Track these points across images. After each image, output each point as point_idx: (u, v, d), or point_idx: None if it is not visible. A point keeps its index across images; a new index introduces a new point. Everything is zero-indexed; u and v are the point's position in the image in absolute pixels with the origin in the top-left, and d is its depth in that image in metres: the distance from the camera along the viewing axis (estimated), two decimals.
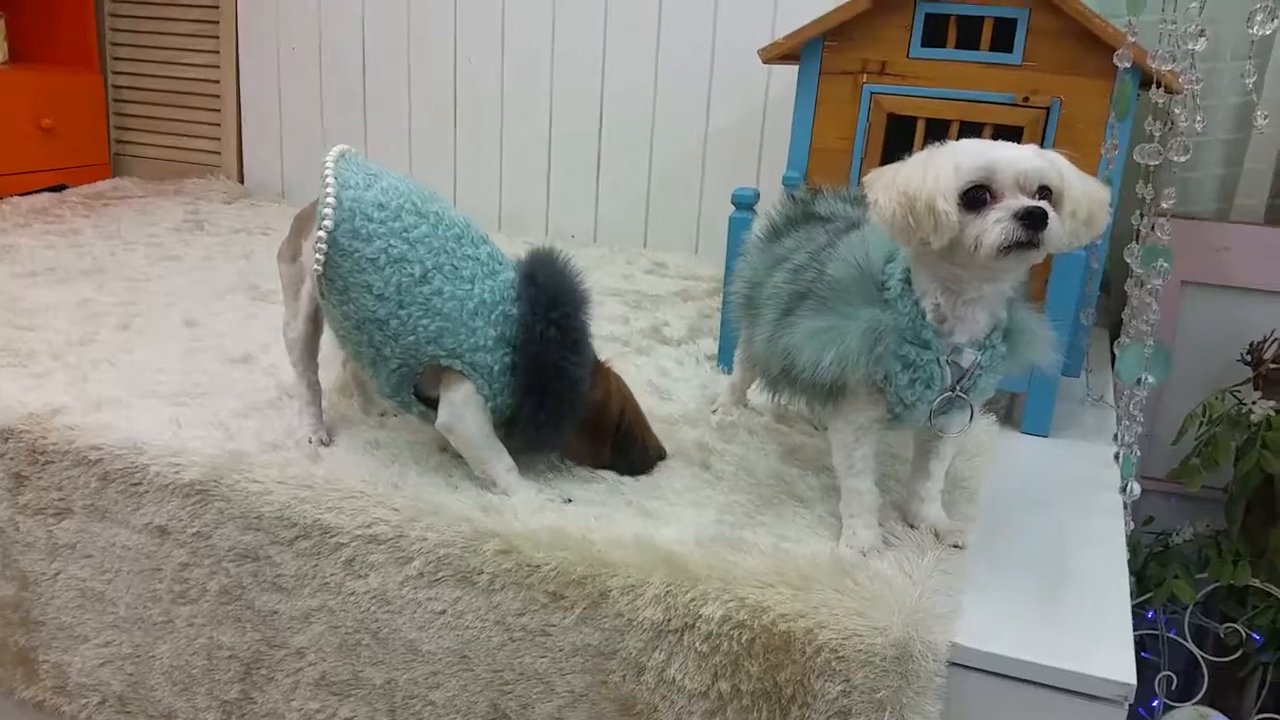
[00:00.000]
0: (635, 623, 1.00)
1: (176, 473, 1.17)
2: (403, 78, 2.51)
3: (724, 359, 1.59)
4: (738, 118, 2.24)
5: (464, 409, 1.13)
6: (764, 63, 1.61)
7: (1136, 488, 1.23)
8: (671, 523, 1.09)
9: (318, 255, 1.10)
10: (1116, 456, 1.34)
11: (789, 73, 1.63)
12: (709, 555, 1.02)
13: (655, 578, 1.00)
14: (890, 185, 0.95)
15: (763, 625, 0.96)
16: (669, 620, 0.98)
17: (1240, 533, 1.78)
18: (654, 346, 1.68)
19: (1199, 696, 1.62)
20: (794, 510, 1.14)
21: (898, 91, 1.46)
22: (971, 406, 1.03)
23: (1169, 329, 1.91)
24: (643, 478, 1.20)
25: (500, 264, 1.16)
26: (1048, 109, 1.41)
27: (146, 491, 1.18)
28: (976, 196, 0.92)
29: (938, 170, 0.92)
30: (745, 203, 1.53)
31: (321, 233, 1.10)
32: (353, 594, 1.10)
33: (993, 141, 0.95)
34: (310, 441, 1.24)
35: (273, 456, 1.20)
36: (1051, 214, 0.90)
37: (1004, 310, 1.00)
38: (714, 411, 1.40)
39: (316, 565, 1.12)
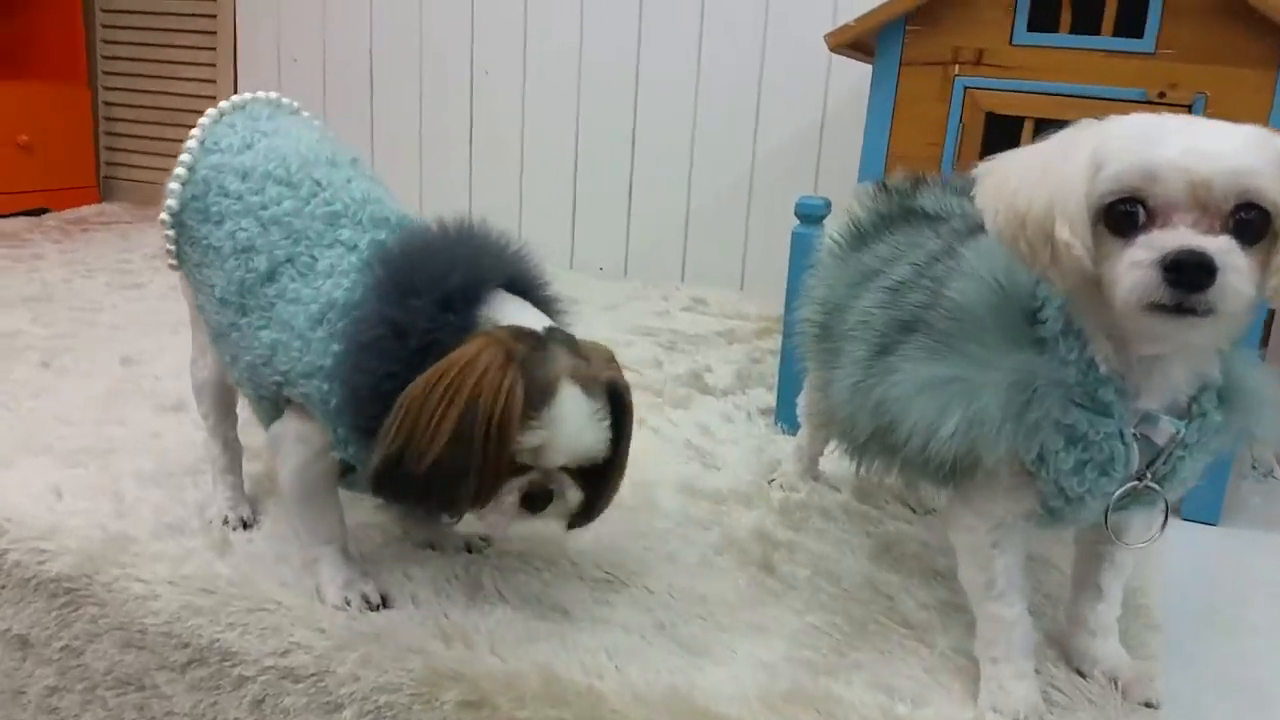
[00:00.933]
0: None
1: (41, 563, 0.91)
2: (414, 92, 2.31)
3: (783, 416, 1.31)
4: (791, 129, 2.00)
5: (284, 450, 0.81)
6: (831, 49, 1.37)
7: None
8: (722, 661, 0.78)
9: (166, 247, 0.86)
10: None
11: (855, 72, 1.36)
12: None
13: None
14: (1001, 188, 0.65)
15: None
16: None
17: None
18: (694, 397, 1.39)
19: None
20: (902, 644, 0.80)
21: (998, 86, 1.25)
22: (1166, 502, 0.71)
23: None
24: (681, 586, 0.86)
25: None
26: (1190, 106, 1.18)
27: (4, 587, 0.93)
28: (1126, 214, 0.60)
29: (1066, 171, 0.61)
30: (814, 215, 1.26)
31: (164, 214, 0.85)
32: None
33: (1174, 117, 0.62)
34: (225, 522, 0.94)
35: (168, 544, 0.92)
36: (1230, 263, 0.58)
37: (1214, 364, 0.69)
38: (771, 482, 1.10)
39: (216, 704, 0.84)
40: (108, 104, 2.67)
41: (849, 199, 0.96)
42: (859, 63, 1.46)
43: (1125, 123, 0.63)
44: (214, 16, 2.48)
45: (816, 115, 1.96)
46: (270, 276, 0.80)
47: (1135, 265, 0.60)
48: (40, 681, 0.91)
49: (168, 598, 0.85)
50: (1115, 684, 0.76)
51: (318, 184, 0.83)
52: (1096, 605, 0.77)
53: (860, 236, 0.91)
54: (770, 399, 1.36)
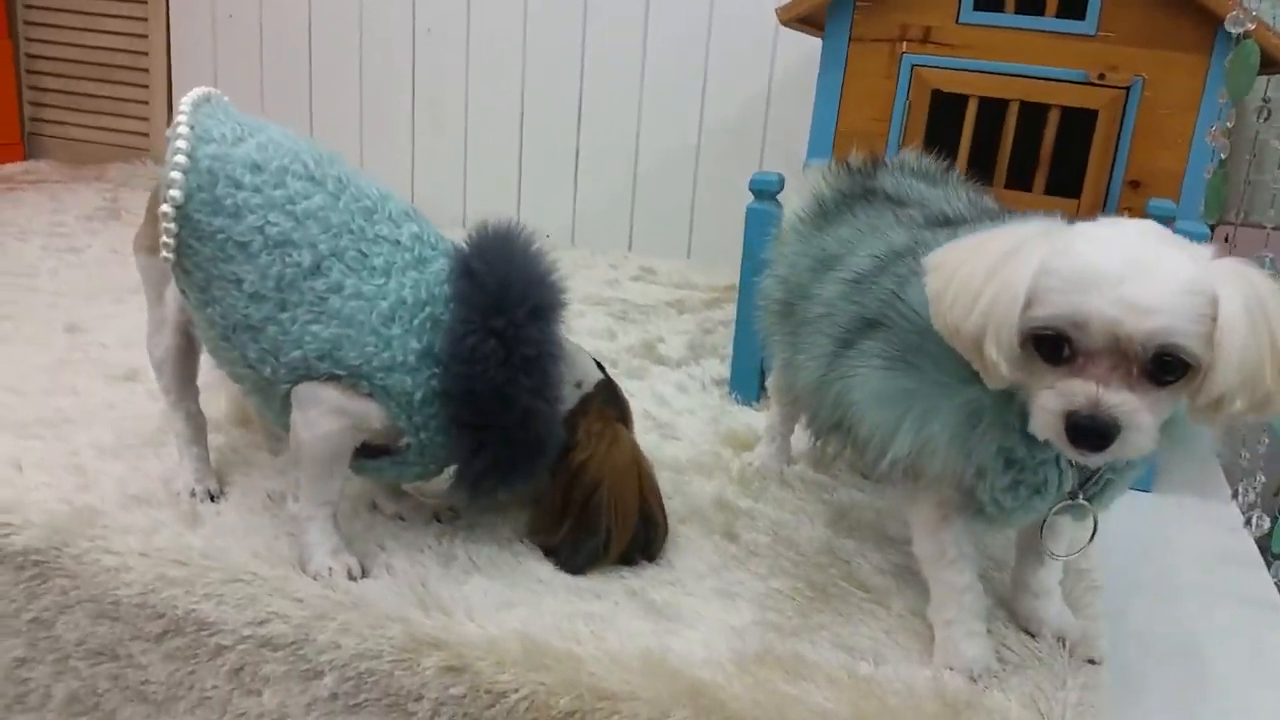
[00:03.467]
0: None
1: (6, 536, 0.89)
2: (354, 51, 2.25)
3: (737, 385, 1.31)
4: (738, 99, 1.99)
5: (314, 415, 0.82)
6: (781, 23, 1.38)
7: None
8: (693, 625, 0.79)
9: (165, 239, 0.82)
10: (1248, 522, 1.05)
11: (802, 45, 1.37)
12: (754, 685, 0.71)
13: (676, 718, 0.69)
14: (944, 290, 0.66)
15: None
16: None
17: None
18: (648, 368, 1.40)
19: None
20: (861, 606, 0.83)
21: (944, 64, 1.27)
22: (1095, 518, 0.75)
23: None
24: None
25: (433, 249, 0.85)
26: (1127, 89, 1.21)
27: None
28: (1053, 345, 0.63)
29: (1001, 298, 0.63)
30: (768, 190, 1.25)
31: (167, 207, 0.81)
32: (243, 715, 0.82)
33: (1116, 252, 0.62)
34: (193, 495, 0.93)
35: (136, 516, 0.90)
36: (1133, 422, 0.61)
37: None
38: (750, 466, 1.10)
39: (193, 673, 0.84)
40: (30, 56, 2.53)
41: (812, 176, 0.97)
42: (805, 35, 1.46)
43: (1064, 259, 0.62)
44: None
45: (763, 85, 1.95)
46: (316, 270, 0.80)
47: (1044, 409, 0.63)
48: (9, 653, 0.89)
49: (140, 569, 0.83)
50: (1062, 643, 0.79)
51: (340, 180, 0.83)
52: (1039, 570, 0.81)
53: (823, 214, 0.92)
54: (723, 369, 1.37)
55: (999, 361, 0.64)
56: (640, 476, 0.88)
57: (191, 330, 0.93)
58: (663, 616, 0.80)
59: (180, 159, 0.82)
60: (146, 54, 2.44)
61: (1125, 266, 0.60)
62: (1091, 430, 0.61)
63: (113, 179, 2.37)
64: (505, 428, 0.81)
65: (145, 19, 2.42)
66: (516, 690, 0.72)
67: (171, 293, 0.92)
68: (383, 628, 0.76)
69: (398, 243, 0.83)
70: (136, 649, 0.85)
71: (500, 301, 0.80)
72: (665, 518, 0.91)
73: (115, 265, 1.72)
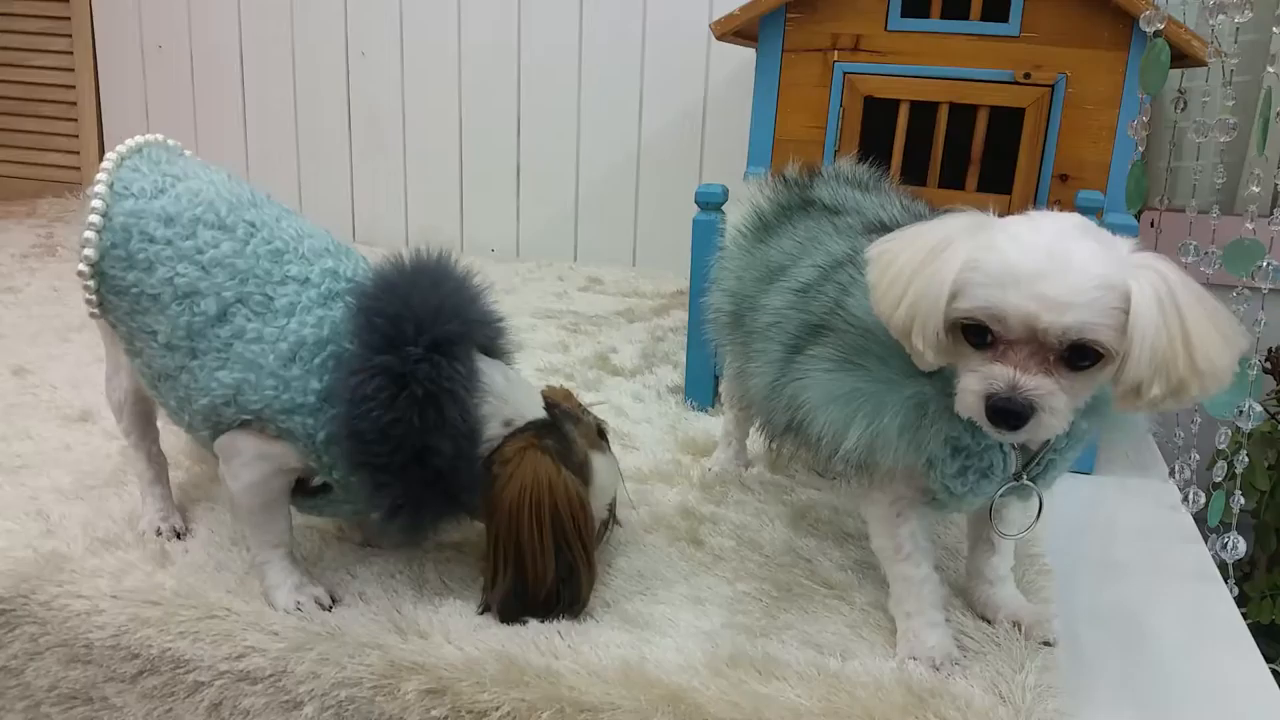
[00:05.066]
0: None
1: None
2: (287, 77, 2.24)
3: (692, 392, 1.33)
4: (676, 111, 2.01)
5: (238, 464, 0.82)
6: (716, 38, 1.40)
7: (1241, 544, 0.99)
8: (667, 632, 0.81)
9: (86, 296, 0.85)
10: (1185, 499, 1.09)
11: (735, 55, 1.38)
12: (729, 688, 0.73)
13: None
14: (880, 280, 0.71)
15: None
16: None
17: (1270, 562, 1.57)
18: (603, 379, 1.42)
19: None
20: (825, 603, 0.86)
21: (876, 70, 1.29)
22: (1040, 498, 0.79)
23: None
24: (618, 565, 0.91)
25: (349, 282, 0.84)
26: (1052, 87, 1.24)
27: None
28: (977, 333, 0.68)
29: (928, 292, 0.67)
30: (713, 202, 1.27)
31: (83, 265, 0.84)
32: None
33: (1056, 233, 0.66)
34: (159, 534, 0.94)
35: (105, 559, 0.90)
36: (1048, 404, 0.66)
37: None
38: (709, 472, 1.12)
39: (171, 711, 0.84)
40: None
41: (751, 189, 1.00)
42: (738, 45, 1.49)
43: (987, 255, 0.66)
44: (67, 1, 2.36)
45: (699, 95, 1.97)
46: (222, 318, 0.81)
47: (966, 390, 0.68)
48: None
49: (112, 611, 0.83)
50: (1017, 627, 0.82)
51: (251, 225, 0.84)
52: (991, 558, 0.84)
53: (764, 227, 0.94)
54: (677, 376, 1.39)
55: (925, 351, 0.68)
56: (553, 506, 0.80)
57: None
58: (636, 626, 0.82)
59: (94, 218, 0.84)
60: (74, 87, 2.41)
61: (1043, 263, 0.64)
62: (1008, 411, 0.66)
63: (45, 214, 2.33)
64: (402, 467, 0.78)
65: (71, 52, 2.39)
66: (498, 708, 0.73)
67: None
68: (361, 655, 0.77)
69: (306, 280, 0.83)
70: (111, 690, 0.84)
71: (392, 338, 0.77)
72: (590, 563, 0.83)
73: (56, 303, 1.69)
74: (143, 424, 0.96)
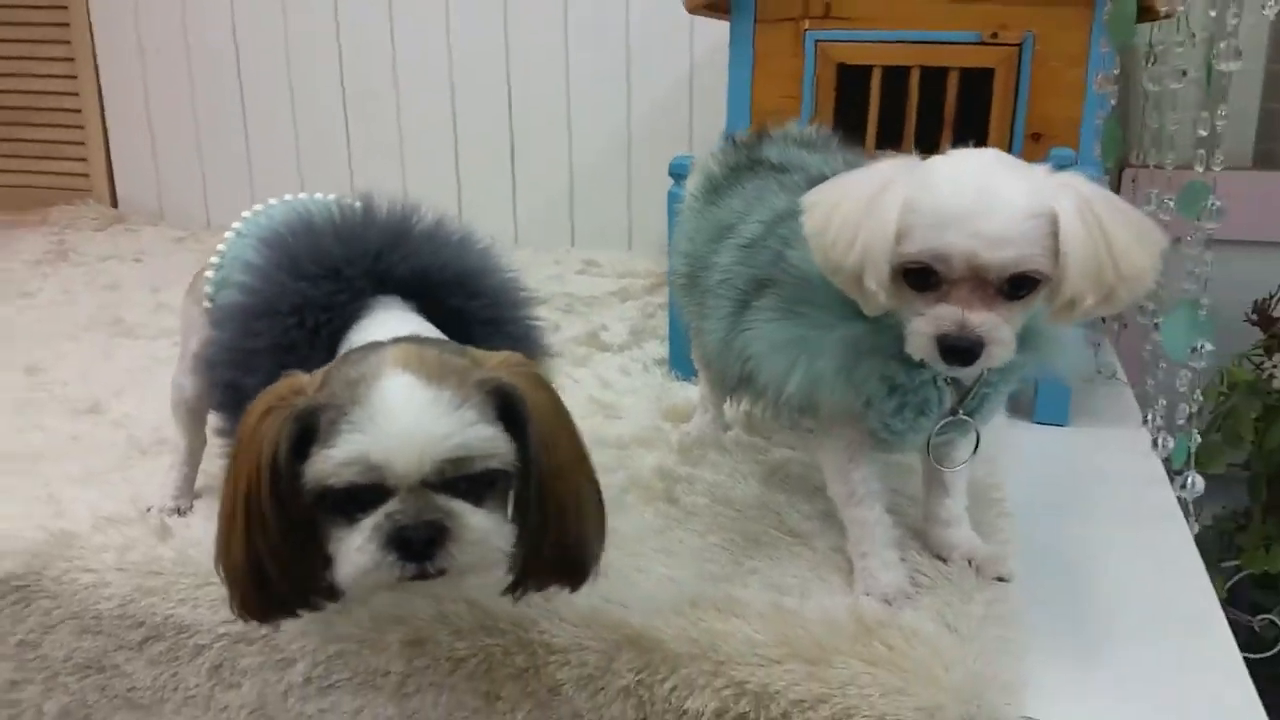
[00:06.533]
0: None
1: None
2: (283, 74, 2.27)
3: (676, 363, 1.37)
4: (663, 89, 2.04)
5: None
6: (688, 11, 1.42)
7: (1199, 482, 1.02)
8: (634, 582, 0.85)
9: None
10: (1155, 444, 1.12)
11: (717, 29, 1.41)
12: (689, 626, 0.77)
13: (621, 664, 0.76)
14: (822, 229, 0.73)
15: (771, 718, 0.72)
16: None
17: (1264, 511, 1.59)
18: (592, 355, 1.46)
19: None
20: (790, 550, 0.90)
21: (846, 37, 1.31)
22: (977, 432, 0.83)
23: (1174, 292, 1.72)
24: None
25: None
26: (1020, 45, 1.26)
27: None
28: (921, 276, 0.71)
29: (874, 234, 0.70)
30: (685, 173, 1.30)
31: None
32: (225, 709, 0.88)
33: (980, 170, 0.70)
34: (175, 512, 0.99)
35: (109, 536, 0.95)
36: (994, 337, 0.70)
37: None
38: (689, 435, 1.16)
39: (176, 674, 0.89)
40: None
41: (703, 156, 1.04)
42: (714, 19, 1.51)
43: (925, 195, 0.69)
44: (65, 7, 2.39)
45: (684, 73, 2.00)
46: None
47: (917, 333, 0.71)
48: (0, 677, 0.94)
49: (118, 584, 0.88)
50: (972, 564, 0.86)
51: None
52: (945, 500, 0.88)
53: (715, 189, 0.98)
54: (663, 350, 1.43)
55: (877, 291, 0.71)
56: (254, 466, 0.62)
57: None
58: (606, 577, 0.85)
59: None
60: (77, 95, 2.46)
61: (976, 201, 0.68)
62: (961, 348, 0.70)
63: (57, 221, 2.38)
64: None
65: (72, 59, 2.43)
66: (475, 655, 0.78)
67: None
68: (347, 612, 0.82)
69: None
70: (121, 658, 0.90)
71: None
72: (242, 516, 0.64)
73: (68, 305, 1.76)
74: (196, 421, 0.98)
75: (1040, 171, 0.71)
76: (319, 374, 0.63)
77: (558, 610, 0.80)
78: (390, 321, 0.72)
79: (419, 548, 0.60)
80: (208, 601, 0.86)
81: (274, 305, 0.72)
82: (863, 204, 0.71)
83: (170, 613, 0.87)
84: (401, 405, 0.59)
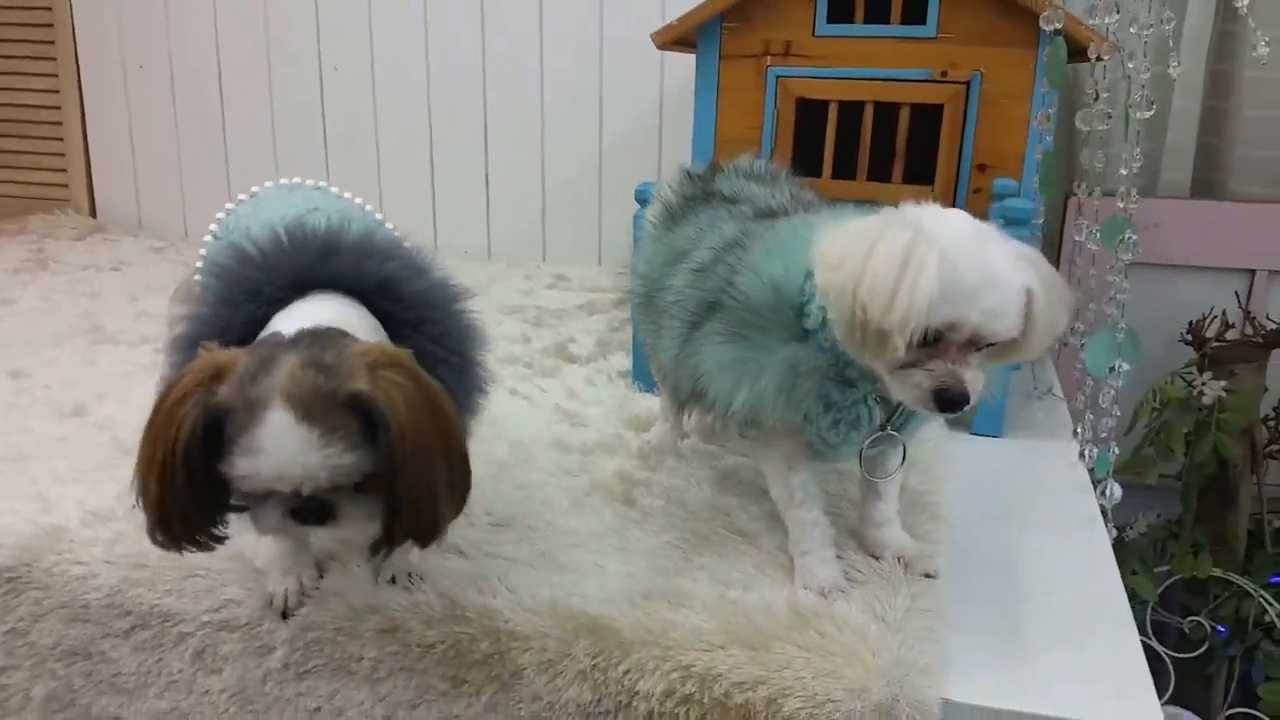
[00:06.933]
0: (558, 706, 0.83)
1: None
2: (264, 92, 2.33)
3: (638, 375, 1.44)
4: (634, 116, 2.11)
5: None
6: (658, 47, 1.48)
7: (1117, 490, 1.10)
8: (592, 576, 0.92)
9: None
10: (1082, 455, 1.20)
11: (686, 62, 1.49)
12: (642, 615, 0.84)
13: (578, 649, 0.83)
14: (852, 278, 0.78)
15: (714, 698, 0.79)
16: (599, 701, 0.82)
17: (1194, 520, 1.68)
18: (560, 366, 1.51)
19: (1166, 696, 1.53)
20: (737, 548, 0.97)
21: (805, 74, 1.38)
22: (904, 445, 0.92)
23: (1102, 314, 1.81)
24: (558, 524, 1.01)
25: None
26: (968, 83, 1.33)
27: None
28: (935, 338, 0.79)
29: (920, 293, 0.76)
30: (648, 199, 1.36)
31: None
32: (206, 692, 0.93)
33: (977, 243, 0.79)
34: None
35: (98, 530, 1.00)
36: (977, 388, 0.80)
37: None
38: (647, 444, 1.22)
39: (160, 660, 0.94)
40: None
41: (661, 186, 1.10)
42: (680, 53, 1.58)
43: (946, 269, 0.76)
44: (51, 25, 2.45)
45: (654, 102, 2.07)
46: None
47: (917, 386, 0.79)
48: None
49: (106, 575, 0.93)
50: (901, 561, 0.92)
51: None
52: (878, 504, 0.95)
53: (671, 217, 1.04)
54: (627, 362, 1.49)
55: (901, 349, 0.77)
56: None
57: None
58: (568, 571, 0.93)
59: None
60: (60, 108, 2.49)
61: (984, 280, 0.77)
62: (954, 399, 0.79)
63: (35, 230, 2.40)
64: None
65: (57, 75, 2.47)
66: (443, 642, 0.84)
67: None
68: (322, 602, 0.88)
69: None
70: (107, 645, 0.94)
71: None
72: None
73: (49, 313, 1.78)
74: None
75: (1011, 246, 0.80)
76: (234, 356, 0.73)
77: (521, 601, 0.86)
78: (308, 308, 0.81)
79: (313, 519, 0.74)
80: (193, 592, 0.91)
81: (210, 331, 0.82)
82: (895, 266, 0.76)
83: (156, 602, 0.92)
84: (279, 444, 0.70)
